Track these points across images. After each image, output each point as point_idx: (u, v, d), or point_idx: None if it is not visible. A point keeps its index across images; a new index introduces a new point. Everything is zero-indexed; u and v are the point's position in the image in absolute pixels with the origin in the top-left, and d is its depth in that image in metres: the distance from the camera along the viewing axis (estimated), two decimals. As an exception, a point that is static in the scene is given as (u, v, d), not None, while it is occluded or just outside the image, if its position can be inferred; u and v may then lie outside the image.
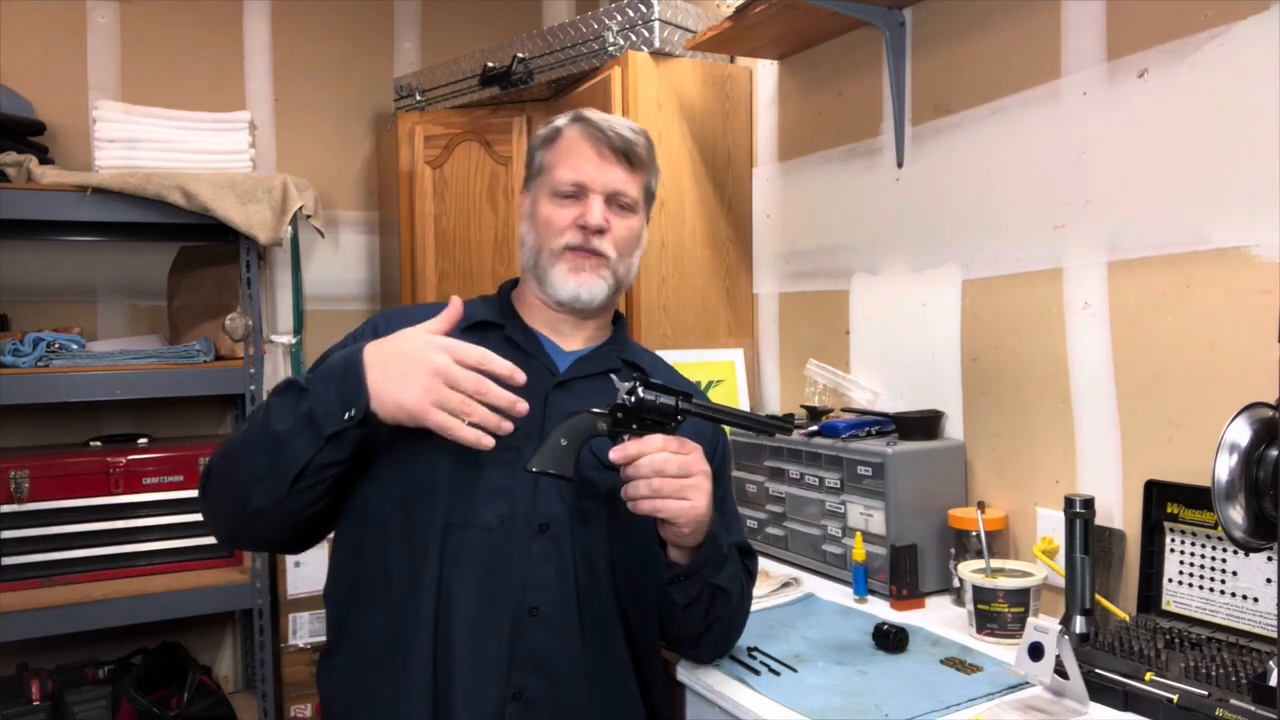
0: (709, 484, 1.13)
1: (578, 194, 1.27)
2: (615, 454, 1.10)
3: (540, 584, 1.17)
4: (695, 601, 1.20)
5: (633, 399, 1.12)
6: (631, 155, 1.29)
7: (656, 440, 1.10)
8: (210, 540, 2.47)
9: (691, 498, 1.10)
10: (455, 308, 1.13)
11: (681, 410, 1.13)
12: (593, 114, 1.31)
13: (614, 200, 1.28)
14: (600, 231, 1.26)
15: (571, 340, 1.33)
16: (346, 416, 1.06)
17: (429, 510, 1.16)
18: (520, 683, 1.15)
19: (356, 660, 1.20)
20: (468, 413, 1.05)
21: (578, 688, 1.18)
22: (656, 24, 2.22)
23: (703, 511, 1.11)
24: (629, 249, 1.32)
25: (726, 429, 1.53)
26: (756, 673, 1.31)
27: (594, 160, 1.28)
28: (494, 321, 1.31)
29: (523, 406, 1.07)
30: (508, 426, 1.07)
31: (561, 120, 1.32)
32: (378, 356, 1.08)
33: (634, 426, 1.12)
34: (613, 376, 1.16)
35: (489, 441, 1.06)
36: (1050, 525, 1.56)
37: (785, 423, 1.21)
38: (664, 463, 1.09)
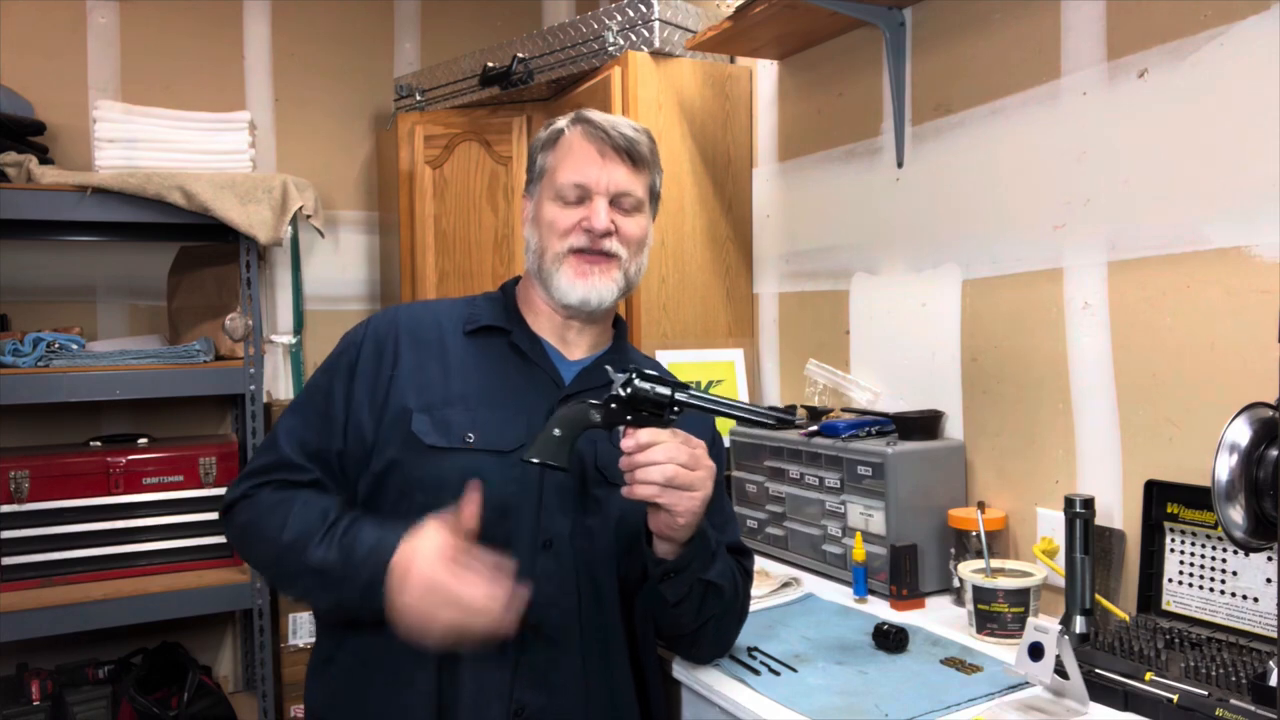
0: (711, 479, 1.13)
1: (581, 196, 1.25)
2: (627, 443, 1.08)
3: (544, 601, 1.16)
4: (686, 599, 1.19)
5: (628, 390, 1.10)
6: (634, 154, 1.27)
7: (665, 432, 1.09)
8: (211, 540, 2.47)
9: (700, 488, 1.10)
10: (470, 510, 1.09)
11: (677, 402, 1.11)
12: (593, 114, 1.29)
13: (618, 201, 1.27)
14: (607, 234, 1.25)
15: (576, 348, 1.32)
16: (370, 611, 1.09)
17: None
18: (522, 698, 1.15)
19: (357, 670, 1.19)
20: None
21: (579, 703, 1.18)
22: (656, 24, 2.22)
23: (701, 504, 1.11)
24: (639, 247, 1.30)
25: (724, 431, 1.52)
26: (756, 672, 1.31)
27: (596, 161, 1.25)
28: (500, 326, 1.30)
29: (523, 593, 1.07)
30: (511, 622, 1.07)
31: (562, 121, 1.31)
32: (407, 599, 1.06)
33: (629, 418, 1.10)
34: (608, 368, 1.15)
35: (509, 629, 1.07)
36: (1050, 525, 1.56)
37: (786, 414, 1.17)
38: (677, 452, 1.08)
